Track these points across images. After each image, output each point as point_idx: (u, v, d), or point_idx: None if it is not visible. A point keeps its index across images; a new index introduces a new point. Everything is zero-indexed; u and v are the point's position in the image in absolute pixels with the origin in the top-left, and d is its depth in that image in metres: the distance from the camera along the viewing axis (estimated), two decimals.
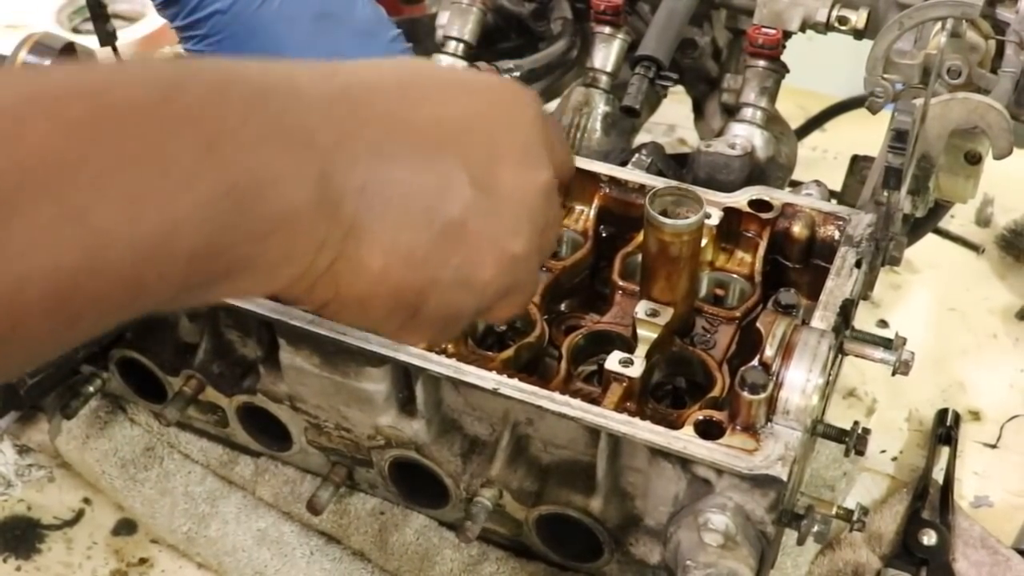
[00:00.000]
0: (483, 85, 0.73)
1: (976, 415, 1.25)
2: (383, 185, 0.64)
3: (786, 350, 0.88)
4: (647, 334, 0.94)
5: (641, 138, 1.29)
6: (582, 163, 1.08)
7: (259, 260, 0.60)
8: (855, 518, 0.95)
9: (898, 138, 0.91)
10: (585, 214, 1.08)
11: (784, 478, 0.83)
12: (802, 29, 1.14)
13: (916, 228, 1.19)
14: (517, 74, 1.13)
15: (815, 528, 0.91)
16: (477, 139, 0.69)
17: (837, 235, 1.02)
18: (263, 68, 0.62)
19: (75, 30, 1.71)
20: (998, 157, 1.03)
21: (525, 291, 0.75)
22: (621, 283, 1.02)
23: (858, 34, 1.13)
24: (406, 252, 0.65)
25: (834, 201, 1.12)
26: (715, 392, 0.94)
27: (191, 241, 0.55)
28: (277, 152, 0.59)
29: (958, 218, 1.47)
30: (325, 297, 0.66)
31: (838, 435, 0.97)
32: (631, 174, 1.07)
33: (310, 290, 0.65)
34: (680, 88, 1.30)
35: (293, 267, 0.62)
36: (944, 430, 1.21)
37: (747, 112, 1.16)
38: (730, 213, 1.03)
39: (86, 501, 1.15)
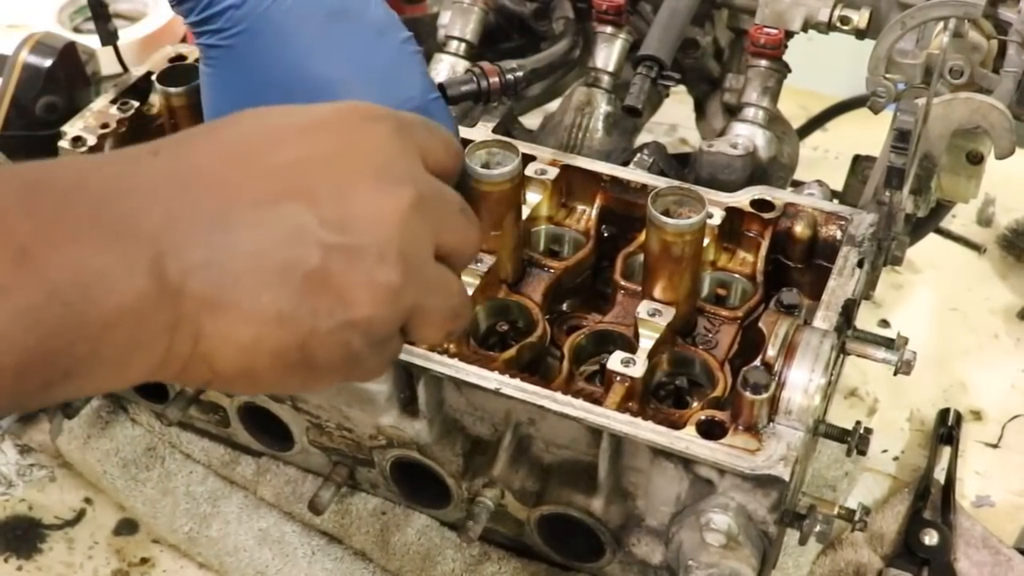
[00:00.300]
0: (319, 119, 0.70)
1: (978, 415, 1.25)
2: (229, 255, 0.63)
3: (788, 350, 0.88)
4: (649, 334, 0.94)
5: (642, 138, 1.29)
6: (584, 163, 1.08)
7: (102, 357, 0.59)
8: (857, 518, 0.95)
9: (900, 138, 0.91)
10: (587, 214, 1.08)
11: (786, 478, 0.83)
12: (804, 29, 1.14)
13: (918, 228, 1.19)
14: (520, 74, 1.13)
15: (817, 528, 0.91)
16: (319, 178, 0.66)
17: (839, 235, 1.02)
18: (77, 164, 0.62)
19: (76, 29, 1.71)
20: (1000, 157, 1.03)
21: (440, 307, 0.72)
22: (623, 283, 1.01)
23: (860, 34, 1.13)
24: (273, 314, 0.64)
25: (836, 201, 1.12)
26: (717, 392, 0.94)
27: (15, 352, 0.55)
28: (98, 247, 0.58)
29: (960, 218, 1.47)
30: (203, 377, 0.66)
31: (840, 435, 0.97)
32: (633, 174, 1.07)
33: (182, 374, 0.65)
34: (682, 88, 1.30)
35: (145, 357, 0.62)
36: (946, 430, 1.21)
37: (749, 112, 1.16)
38: (732, 213, 1.03)
39: (87, 501, 1.15)
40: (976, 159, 1.10)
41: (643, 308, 0.95)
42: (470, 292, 0.97)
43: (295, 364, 0.67)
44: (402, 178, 0.69)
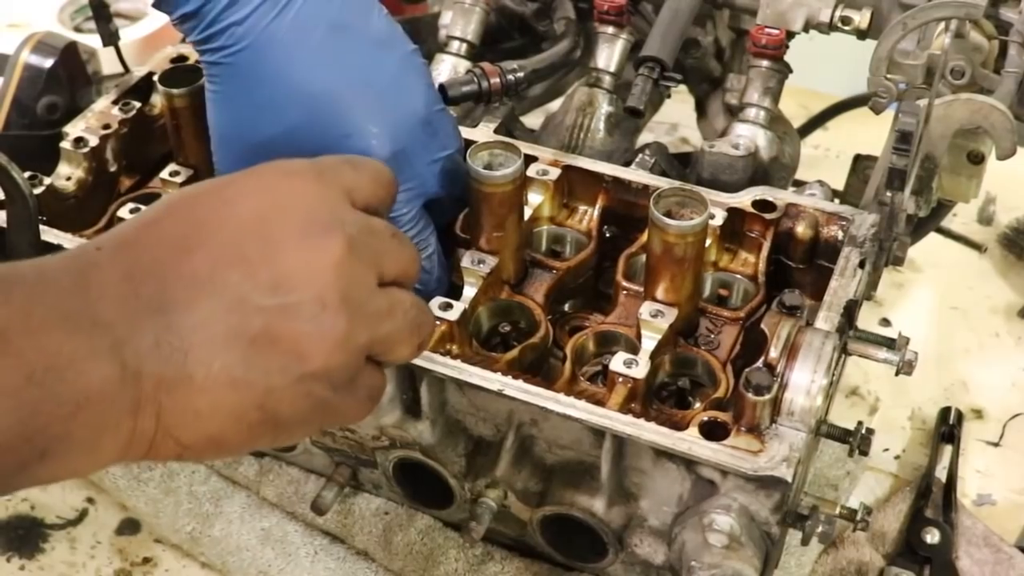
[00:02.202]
0: (240, 189, 0.73)
1: (979, 413, 1.26)
2: (176, 333, 0.66)
3: (791, 351, 0.88)
4: (651, 335, 0.94)
5: (643, 138, 1.29)
6: (585, 163, 1.08)
7: (74, 437, 0.62)
8: (858, 517, 0.95)
9: (902, 139, 0.91)
10: (589, 214, 1.08)
11: (789, 479, 0.84)
12: (805, 29, 1.14)
13: (919, 227, 1.19)
14: (521, 74, 1.13)
15: (819, 528, 0.91)
16: (249, 245, 0.69)
17: (841, 235, 1.02)
18: (36, 263, 0.66)
19: (77, 29, 1.71)
20: (1001, 157, 1.04)
21: (398, 329, 0.75)
22: (625, 284, 1.02)
23: (861, 34, 1.13)
24: (225, 380, 0.67)
25: (837, 201, 1.12)
26: (719, 393, 0.94)
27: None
28: (67, 335, 0.62)
29: (960, 217, 1.47)
30: (174, 451, 0.68)
31: (842, 435, 0.98)
32: (635, 174, 1.07)
33: (151, 451, 0.67)
34: (683, 88, 1.30)
35: (114, 438, 0.64)
36: (947, 428, 1.21)
37: (750, 112, 1.16)
38: (734, 213, 1.03)
39: (90, 500, 1.15)
40: (977, 159, 1.10)
41: (645, 309, 0.95)
42: (472, 293, 0.97)
43: (259, 424, 0.69)
44: (329, 226, 0.71)
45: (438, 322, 0.94)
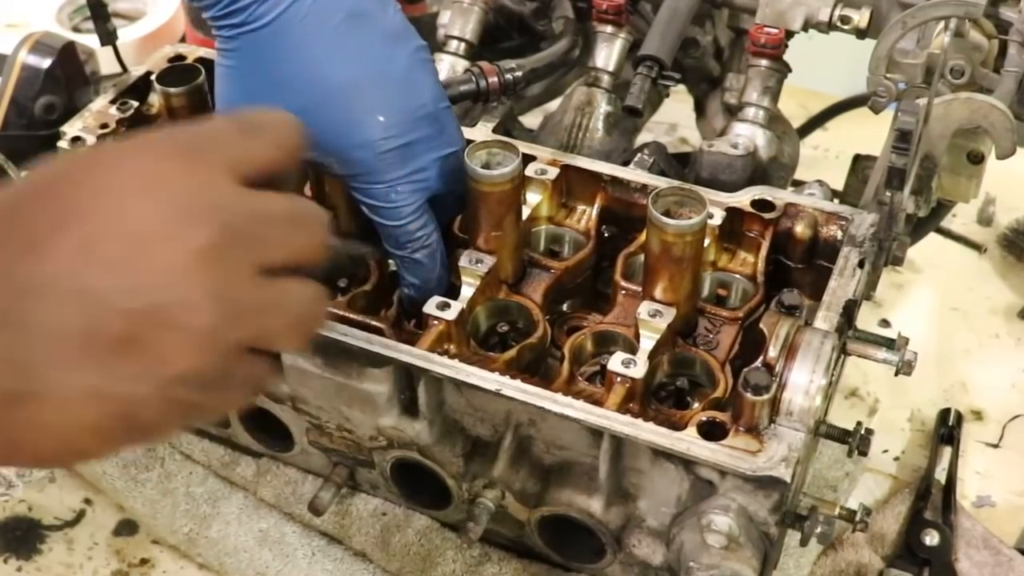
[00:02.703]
0: (103, 177, 0.66)
1: (978, 415, 1.25)
2: (23, 347, 0.61)
3: (789, 351, 0.87)
4: (650, 335, 0.94)
5: (642, 137, 1.29)
6: (584, 163, 1.08)
7: None
8: (858, 518, 0.95)
9: (901, 138, 0.91)
10: (587, 214, 1.08)
11: (788, 479, 0.83)
12: (804, 28, 1.14)
13: (918, 227, 1.19)
14: (519, 73, 1.12)
15: (818, 529, 0.91)
16: (108, 242, 0.63)
17: (840, 235, 1.01)
18: None
19: (75, 29, 1.71)
20: (1001, 157, 1.03)
21: (280, 322, 0.69)
22: (623, 283, 1.01)
23: (860, 33, 1.13)
24: (80, 393, 0.62)
25: (836, 200, 1.12)
26: (718, 393, 0.93)
27: None
28: None
29: (960, 217, 1.46)
30: (28, 462, 0.67)
31: (841, 436, 0.97)
32: (633, 174, 1.07)
33: (3, 461, 0.65)
34: (682, 87, 1.30)
35: None
36: (946, 430, 1.21)
37: (749, 112, 1.15)
38: (732, 213, 1.03)
39: (87, 502, 1.15)
40: (977, 159, 1.09)
41: (644, 309, 0.95)
42: (470, 292, 0.97)
43: (119, 432, 0.65)
44: (199, 215, 0.64)
45: (437, 322, 0.94)
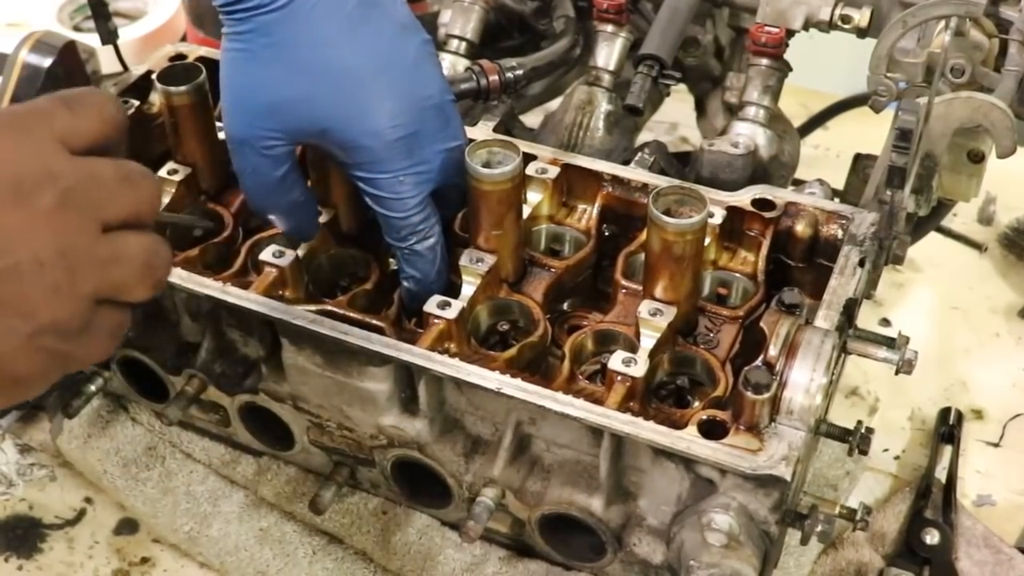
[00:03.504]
0: None
1: (979, 414, 1.25)
2: None
3: (790, 350, 0.88)
4: (650, 333, 0.94)
5: (643, 137, 1.29)
6: (585, 162, 1.08)
7: None
8: (858, 517, 0.95)
9: (902, 137, 0.91)
10: (588, 213, 1.08)
11: (788, 478, 0.83)
12: (805, 28, 1.14)
13: (919, 227, 1.19)
14: (519, 72, 1.13)
15: (819, 528, 0.91)
16: None
17: (840, 234, 1.01)
18: None
19: (76, 28, 1.71)
20: (1001, 156, 1.03)
21: (128, 273, 0.74)
22: (624, 282, 1.01)
23: (861, 33, 1.13)
24: None
25: (837, 200, 1.12)
26: (718, 392, 0.94)
27: None
28: None
29: (960, 216, 1.46)
30: None
31: (841, 434, 0.97)
32: (634, 173, 1.07)
33: None
34: (682, 86, 1.30)
35: None
36: (947, 429, 1.21)
37: (750, 111, 1.15)
38: (733, 212, 1.03)
39: (88, 500, 1.15)
40: (977, 158, 1.10)
41: (644, 307, 0.95)
42: (471, 291, 0.97)
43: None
44: (39, 183, 0.70)
45: (437, 320, 0.94)
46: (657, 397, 0.96)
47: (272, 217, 0.99)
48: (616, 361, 0.90)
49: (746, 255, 1.04)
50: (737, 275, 1.04)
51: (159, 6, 1.72)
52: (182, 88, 1.07)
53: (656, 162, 1.12)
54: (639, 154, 1.13)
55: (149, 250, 0.76)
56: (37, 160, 0.71)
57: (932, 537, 1.09)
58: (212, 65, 1.10)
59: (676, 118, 1.57)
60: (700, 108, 1.33)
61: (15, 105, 0.75)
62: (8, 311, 0.68)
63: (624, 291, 1.01)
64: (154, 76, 1.12)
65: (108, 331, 0.75)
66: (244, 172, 0.95)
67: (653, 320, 0.94)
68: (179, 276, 0.99)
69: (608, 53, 1.20)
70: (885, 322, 1.34)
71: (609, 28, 1.20)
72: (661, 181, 1.04)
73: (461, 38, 1.24)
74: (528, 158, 1.05)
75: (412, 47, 0.94)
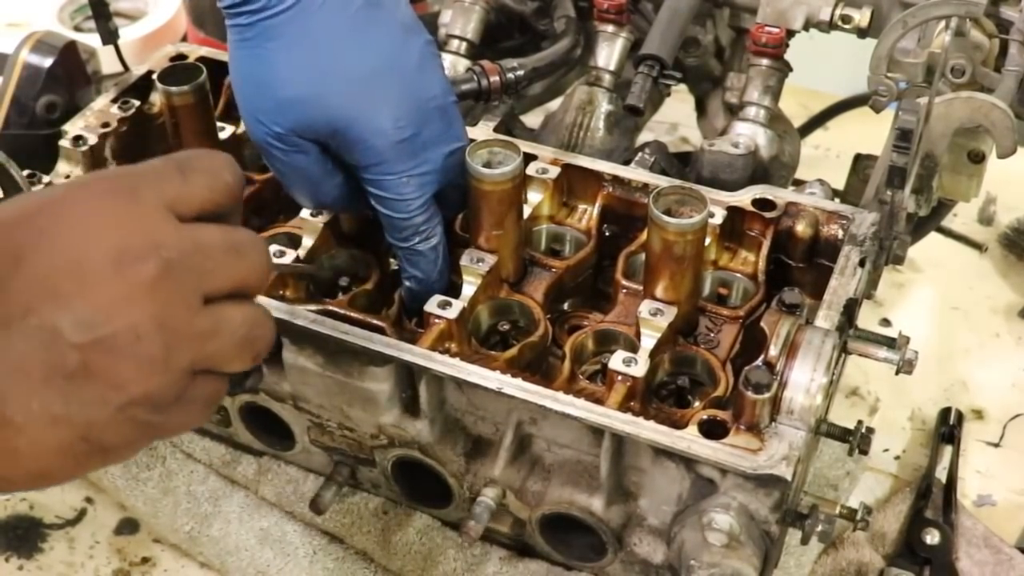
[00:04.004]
0: (51, 217, 0.69)
1: (979, 414, 1.25)
2: None
3: (790, 350, 0.88)
4: (651, 333, 0.94)
5: (643, 137, 1.29)
6: (585, 162, 1.08)
7: None
8: (858, 517, 0.95)
9: (902, 137, 0.91)
10: (588, 213, 1.08)
11: (788, 478, 0.83)
12: (805, 28, 1.14)
13: (919, 227, 1.19)
14: (520, 72, 1.13)
15: (819, 527, 0.91)
16: (62, 280, 0.67)
17: (841, 234, 1.01)
18: None
19: (77, 28, 1.71)
20: (1002, 156, 1.03)
21: (226, 346, 0.73)
22: (624, 282, 1.01)
23: (861, 33, 1.13)
24: (46, 419, 0.66)
25: (837, 200, 1.12)
26: (719, 392, 0.94)
27: None
28: None
29: (961, 216, 1.46)
30: (3, 488, 0.69)
31: (842, 434, 0.97)
32: (634, 173, 1.07)
33: None
34: (683, 87, 1.30)
35: None
36: (947, 429, 1.21)
37: (750, 111, 1.16)
38: (733, 212, 1.03)
39: (88, 500, 1.15)
40: (977, 158, 1.10)
41: (645, 307, 0.95)
42: (471, 291, 0.97)
43: (85, 454, 0.69)
44: (142, 252, 0.68)
45: (438, 320, 0.94)
46: (658, 397, 0.96)
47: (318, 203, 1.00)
48: (617, 361, 0.90)
49: (746, 255, 1.04)
50: (738, 275, 1.04)
51: (159, 6, 1.72)
52: (183, 88, 1.07)
53: (656, 162, 1.12)
54: (639, 154, 1.13)
55: (251, 322, 0.74)
56: (143, 229, 0.70)
57: (932, 537, 1.09)
58: (213, 65, 1.10)
59: (676, 118, 1.57)
60: (700, 108, 1.33)
61: (128, 167, 0.75)
62: (100, 381, 0.67)
63: (625, 291, 1.01)
64: (155, 76, 1.12)
65: (203, 401, 0.74)
66: (279, 172, 0.96)
67: (654, 320, 0.94)
68: None
69: (609, 53, 1.20)
70: (885, 322, 1.34)
71: (610, 28, 1.20)
72: (662, 181, 1.04)
73: (462, 38, 1.24)
74: (529, 158, 1.05)
75: (416, 48, 0.94)
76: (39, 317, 0.66)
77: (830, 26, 1.14)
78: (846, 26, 1.13)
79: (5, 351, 0.65)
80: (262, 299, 0.96)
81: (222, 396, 0.76)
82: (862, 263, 0.97)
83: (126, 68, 1.28)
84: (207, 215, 0.73)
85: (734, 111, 1.19)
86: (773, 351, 0.88)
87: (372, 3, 0.91)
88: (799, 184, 1.15)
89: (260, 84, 0.92)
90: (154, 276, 0.68)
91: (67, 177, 1.11)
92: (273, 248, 1.00)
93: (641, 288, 0.98)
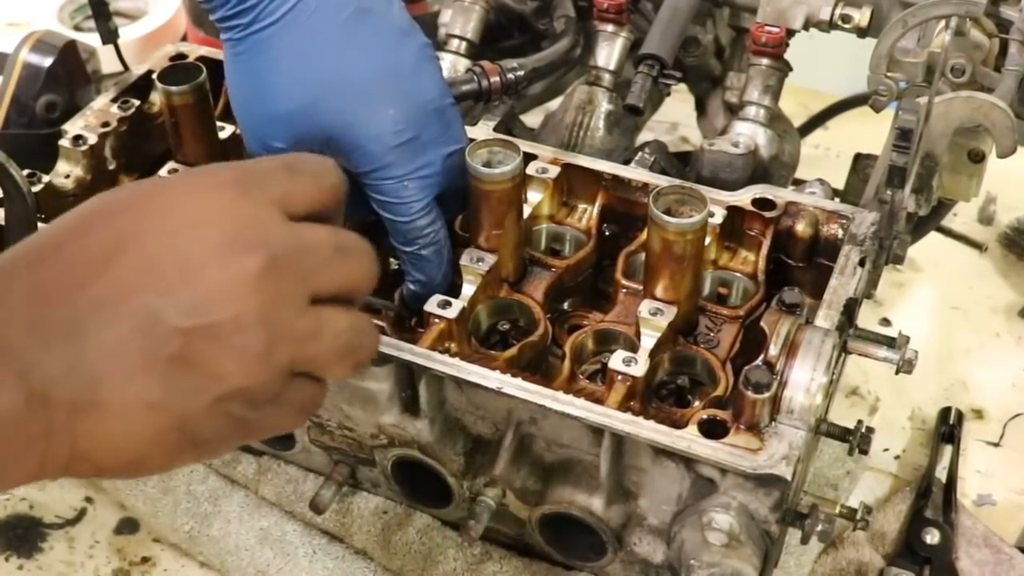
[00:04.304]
0: (160, 204, 0.70)
1: (979, 413, 1.25)
2: (89, 358, 0.64)
3: (790, 349, 0.88)
4: (650, 333, 0.94)
5: (643, 136, 1.29)
6: (585, 162, 1.08)
7: None
8: (858, 517, 0.95)
9: (902, 137, 0.91)
10: (588, 213, 1.08)
11: (788, 477, 0.83)
12: (805, 27, 1.14)
13: (919, 226, 1.19)
14: (521, 73, 1.12)
15: (819, 527, 0.91)
16: (167, 265, 0.67)
17: (841, 233, 1.01)
18: None
19: (77, 28, 1.71)
20: (1002, 156, 1.03)
21: (327, 350, 0.72)
22: (624, 282, 1.01)
23: (861, 32, 1.13)
24: (142, 405, 0.65)
25: (837, 199, 1.12)
26: (719, 391, 0.94)
27: None
28: None
29: (961, 216, 1.46)
30: (91, 472, 0.67)
31: (842, 434, 0.97)
32: (634, 172, 1.07)
33: (67, 472, 0.66)
34: (683, 86, 1.30)
35: (22, 464, 0.64)
36: (947, 428, 1.21)
37: (750, 110, 1.15)
38: (733, 212, 1.03)
39: (88, 500, 1.15)
40: (977, 157, 1.10)
41: (644, 307, 0.95)
42: (471, 291, 0.97)
43: (179, 445, 0.68)
44: (250, 244, 0.68)
45: (438, 320, 0.94)
46: (657, 397, 0.96)
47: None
48: (616, 360, 0.90)
49: (746, 255, 1.04)
50: (737, 275, 1.04)
51: (159, 6, 1.72)
52: (183, 88, 1.07)
53: (656, 162, 1.12)
54: (639, 154, 1.13)
55: (355, 329, 0.74)
56: (251, 222, 0.69)
57: (932, 537, 1.09)
58: (213, 65, 1.10)
59: (676, 118, 1.57)
60: (700, 108, 1.33)
61: (238, 163, 0.75)
62: (199, 371, 0.66)
63: (624, 291, 1.01)
64: (155, 76, 1.12)
65: (298, 405, 0.73)
66: None
67: (653, 320, 0.94)
68: None
69: (608, 53, 1.20)
70: (885, 322, 1.34)
71: (609, 28, 1.20)
72: (661, 181, 1.04)
73: (461, 38, 1.24)
74: (528, 158, 1.05)
75: (411, 52, 0.94)
76: (141, 301, 0.65)
77: (830, 26, 1.13)
78: (846, 26, 1.13)
79: (103, 334, 0.65)
80: None
81: (319, 404, 0.75)
82: (862, 263, 0.97)
83: (126, 68, 1.28)
84: (313, 216, 0.73)
85: (734, 111, 1.19)
86: (773, 351, 0.88)
87: (363, 10, 0.91)
88: (799, 184, 1.15)
89: (253, 98, 0.92)
90: (261, 270, 0.67)
91: (67, 177, 1.11)
92: None
93: (641, 288, 0.98)
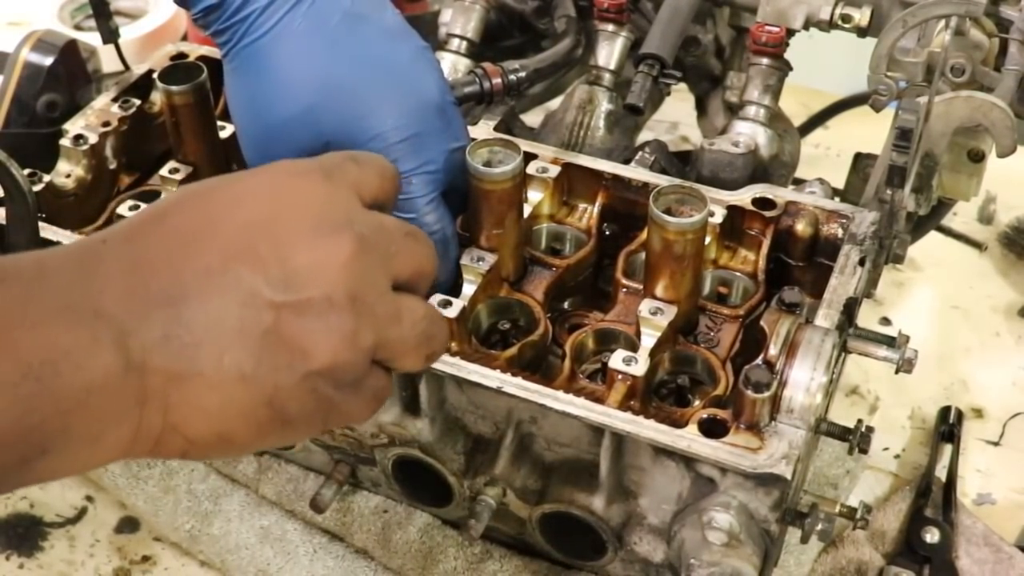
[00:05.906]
0: (251, 187, 0.73)
1: (979, 413, 1.25)
2: (186, 327, 0.65)
3: (790, 348, 0.88)
4: (651, 332, 0.94)
5: (644, 136, 1.29)
6: (585, 161, 1.08)
7: (74, 432, 0.62)
8: (858, 516, 0.95)
9: (902, 136, 0.91)
10: (588, 212, 1.08)
11: (788, 477, 0.83)
12: (805, 27, 1.14)
13: (919, 226, 1.19)
14: (522, 74, 1.12)
15: (819, 526, 0.91)
16: (261, 242, 0.68)
17: (841, 233, 1.02)
18: (36, 256, 0.65)
19: (77, 27, 1.71)
20: (1001, 155, 1.03)
21: (407, 336, 0.74)
22: (625, 281, 1.01)
23: (861, 32, 1.13)
24: (235, 376, 0.66)
25: (837, 199, 1.12)
26: (719, 391, 0.94)
27: None
28: (65, 327, 0.61)
29: (961, 215, 1.46)
30: (179, 448, 0.68)
31: (842, 433, 0.97)
32: (634, 172, 1.07)
33: (157, 447, 0.67)
34: (683, 86, 1.30)
35: (117, 433, 0.64)
36: (947, 428, 1.21)
37: (750, 110, 1.16)
38: (733, 211, 1.03)
39: (89, 499, 1.15)
40: (977, 157, 1.10)
41: (645, 306, 0.95)
42: (471, 290, 0.97)
43: (267, 421, 0.69)
44: (338, 224, 0.71)
45: None
46: (658, 396, 0.96)
47: None
48: (617, 360, 0.90)
49: (746, 254, 1.04)
50: (737, 274, 1.04)
51: (160, 5, 1.72)
52: (183, 87, 1.07)
53: (657, 161, 1.12)
54: (640, 153, 1.13)
55: (431, 318, 0.76)
56: (338, 203, 0.72)
57: (932, 536, 1.09)
58: (213, 64, 1.10)
59: (677, 117, 1.57)
60: (700, 107, 1.33)
61: (307, 157, 0.77)
62: (290, 346, 0.68)
63: (625, 290, 1.01)
64: (155, 75, 1.12)
65: (373, 393, 0.74)
66: None
67: (654, 319, 0.94)
68: None
69: (609, 52, 1.20)
70: (885, 321, 1.34)
71: (610, 27, 1.20)
72: (662, 180, 1.04)
73: (462, 37, 1.24)
74: (529, 157, 1.05)
75: (406, 52, 0.94)
76: (238, 274, 0.67)
77: (830, 25, 1.14)
78: (846, 25, 1.13)
79: (206, 303, 0.66)
80: None
81: (388, 395, 0.76)
82: (862, 262, 0.98)
83: (127, 67, 1.28)
84: (376, 205, 0.76)
85: (734, 110, 1.19)
86: (773, 350, 0.88)
87: (352, 16, 0.91)
88: (799, 183, 1.15)
89: (251, 110, 0.93)
90: (350, 249, 0.70)
91: (67, 176, 1.11)
92: None
93: (641, 287, 0.98)
